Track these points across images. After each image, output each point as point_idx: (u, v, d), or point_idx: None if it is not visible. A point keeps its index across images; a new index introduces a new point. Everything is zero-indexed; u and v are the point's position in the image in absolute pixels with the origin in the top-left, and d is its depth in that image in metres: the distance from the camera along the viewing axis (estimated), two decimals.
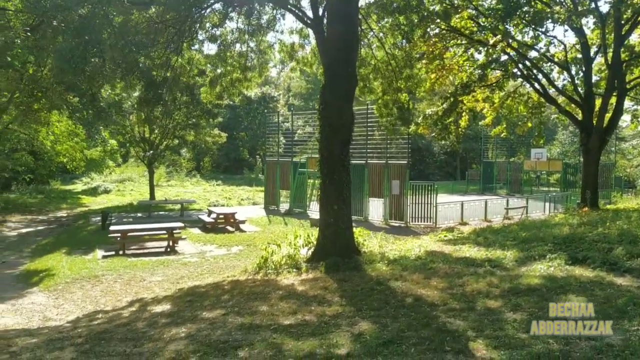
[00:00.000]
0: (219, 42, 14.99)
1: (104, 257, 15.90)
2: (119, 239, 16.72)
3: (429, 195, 21.58)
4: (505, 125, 25.09)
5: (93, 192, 35.22)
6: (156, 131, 28.71)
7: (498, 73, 22.15)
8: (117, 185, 37.70)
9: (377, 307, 7.92)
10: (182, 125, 28.66)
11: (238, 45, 15.24)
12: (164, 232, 17.51)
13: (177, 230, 17.71)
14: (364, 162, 23.18)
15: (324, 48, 12.26)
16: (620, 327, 6.08)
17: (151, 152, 27.80)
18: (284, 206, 27.35)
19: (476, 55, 22.64)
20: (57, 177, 38.60)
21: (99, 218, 22.89)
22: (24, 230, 21.55)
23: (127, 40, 10.58)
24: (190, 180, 41.14)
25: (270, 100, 48.83)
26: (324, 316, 7.69)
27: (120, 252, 16.33)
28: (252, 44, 15.38)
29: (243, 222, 21.46)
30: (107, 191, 35.46)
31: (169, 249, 17.08)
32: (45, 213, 26.47)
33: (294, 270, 11.12)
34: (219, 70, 16.17)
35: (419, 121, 21.66)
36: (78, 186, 38.44)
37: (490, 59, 19.69)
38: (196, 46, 15.54)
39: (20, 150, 28.48)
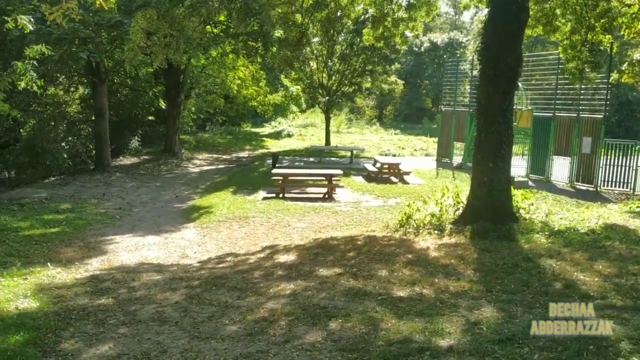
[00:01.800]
0: None
1: (265, 198, 16.14)
2: (280, 182, 16.85)
3: (629, 157, 18.16)
4: None
5: (277, 135, 36.75)
6: (333, 78, 28.52)
7: None
8: (300, 129, 38.85)
9: (513, 290, 6.45)
10: (358, 71, 28.01)
11: None
12: (323, 178, 17.23)
13: (336, 177, 17.30)
14: (550, 114, 20.28)
15: None
16: None
17: (327, 98, 27.74)
18: (457, 160, 25.50)
19: None
20: (249, 120, 41.02)
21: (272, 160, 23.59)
22: (205, 168, 23.10)
23: None
24: (369, 128, 40.82)
25: (458, 46, 45.82)
26: (444, 292, 6.48)
27: (280, 195, 16.44)
28: None
29: (408, 173, 20.34)
30: (289, 135, 36.73)
31: (326, 196, 16.79)
32: (229, 153, 28.21)
33: (436, 232, 9.86)
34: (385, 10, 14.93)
35: (623, 68, 18.06)
36: (266, 129, 40.51)
37: None
38: None
39: (212, 94, 30.53)
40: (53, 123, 20.87)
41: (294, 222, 12.92)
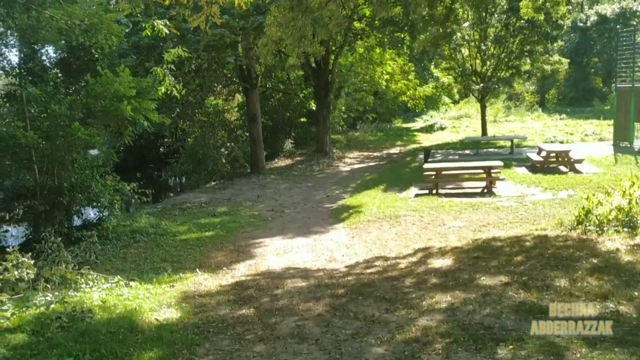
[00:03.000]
0: None
1: (417, 195, 15.06)
2: (433, 177, 15.64)
3: None
4: None
5: (429, 129, 35.19)
6: (488, 63, 26.36)
7: None
8: (453, 122, 36.82)
9: None
10: (515, 53, 25.53)
11: None
12: (481, 171, 15.66)
13: (496, 169, 15.62)
14: None
15: None
16: None
17: (481, 85, 25.69)
18: (638, 143, 22.00)
19: None
20: (399, 116, 39.96)
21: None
22: (356, 166, 22.56)
23: None
24: (530, 115, 37.39)
25: (632, 15, 40.04)
26: None
27: (434, 192, 15.24)
28: None
29: (580, 161, 17.82)
30: (442, 128, 34.95)
31: (485, 190, 15.20)
32: (380, 150, 27.43)
33: (625, 229, 8.07)
34: None
35: None
36: (417, 124, 39.10)
37: None
38: None
39: (361, 91, 30.05)
40: (212, 131, 21.81)
41: (449, 220, 11.68)
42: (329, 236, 11.36)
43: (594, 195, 9.57)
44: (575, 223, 9.05)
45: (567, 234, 8.72)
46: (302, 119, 27.48)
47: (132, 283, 7.52)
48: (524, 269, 6.89)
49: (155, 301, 6.80)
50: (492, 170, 15.39)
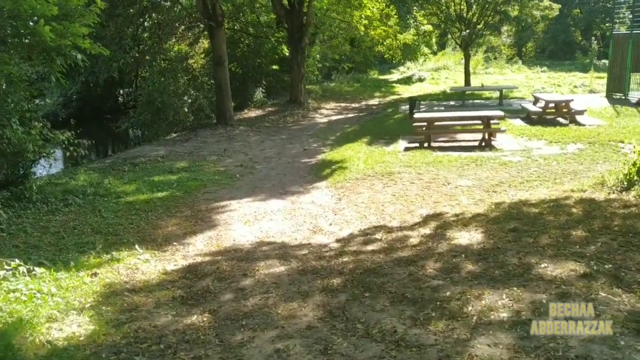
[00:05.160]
0: None
1: (406, 149, 12.85)
2: (424, 128, 13.40)
3: None
4: None
5: (407, 81, 32.76)
6: (474, 7, 23.90)
7: None
8: (432, 73, 34.44)
9: None
10: None
11: None
12: (478, 122, 13.49)
13: (495, 120, 13.47)
14: None
15: None
16: None
17: (467, 31, 23.28)
18: (635, 95, 20.10)
19: None
20: (375, 67, 37.34)
21: (407, 106, 20.07)
22: (334, 118, 20.11)
23: None
24: (510, 67, 35.26)
25: None
26: None
27: (425, 145, 13.03)
28: None
29: (581, 112, 15.80)
30: (421, 79, 32.57)
31: (483, 143, 13.06)
32: (358, 101, 24.97)
33: None
34: None
35: None
36: (394, 76, 36.57)
37: None
38: None
39: (336, 37, 27.22)
40: (174, 77, 18.95)
41: (454, 178, 9.50)
42: (309, 197, 9.06)
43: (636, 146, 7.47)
44: (626, 183, 6.97)
45: (619, 196, 6.63)
46: (274, 67, 24.61)
47: (37, 270, 5.11)
48: (596, 249, 4.75)
49: (62, 302, 4.44)
50: (491, 121, 13.24)
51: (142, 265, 5.55)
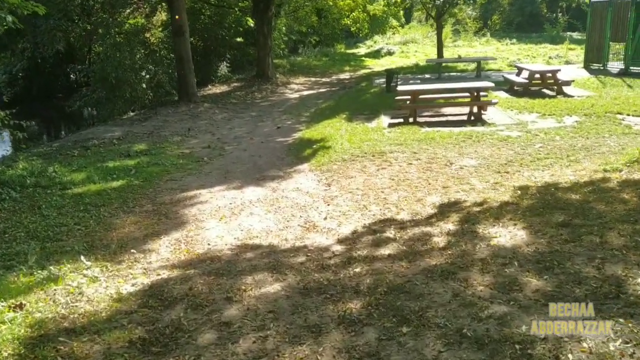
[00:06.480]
0: None
1: (391, 125, 11.58)
2: (408, 102, 12.13)
3: None
4: None
5: (376, 54, 31.38)
6: None
7: None
8: (401, 47, 33.14)
9: None
10: None
11: None
12: (466, 94, 12.30)
13: (484, 93, 12.30)
14: None
15: None
16: None
17: (441, 0, 22.00)
18: (614, 65, 19.28)
19: None
20: (342, 41, 35.78)
21: (382, 80, 18.74)
22: (305, 93, 18.61)
23: None
24: (479, 40, 34.28)
25: None
26: None
27: (410, 120, 11.78)
28: None
29: (568, 83, 14.77)
30: (390, 53, 31.24)
31: (472, 117, 11.90)
32: (329, 75, 23.50)
33: None
34: None
35: None
36: (361, 50, 35.10)
37: None
38: None
39: (303, 8, 25.52)
40: (130, 50, 17.04)
41: (455, 157, 8.27)
42: (293, 183, 7.66)
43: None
44: None
45: None
46: (239, 39, 22.75)
47: None
48: None
49: None
50: (481, 94, 12.06)
51: (89, 288, 4.09)
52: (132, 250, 5.06)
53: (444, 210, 5.58)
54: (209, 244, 5.25)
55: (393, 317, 3.29)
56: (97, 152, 10.15)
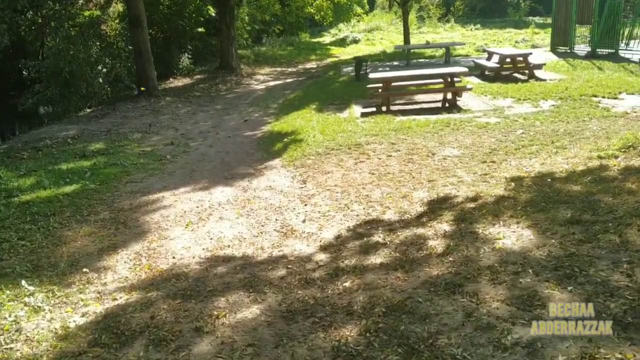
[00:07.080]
0: None
1: (363, 114, 11.04)
2: (380, 90, 11.60)
3: None
4: None
5: (341, 42, 30.77)
6: None
7: None
8: (366, 34, 32.62)
9: None
10: None
11: None
12: (439, 80, 11.84)
13: (457, 78, 11.86)
14: None
15: None
16: None
17: None
18: (581, 47, 19.20)
19: None
20: (306, 30, 35.01)
21: (350, 68, 18.19)
22: (271, 84, 17.88)
23: None
24: (443, 26, 34.03)
25: None
26: None
27: (384, 109, 11.27)
28: None
29: (539, 67, 14.51)
30: (355, 41, 30.68)
31: (447, 104, 11.47)
32: (295, 65, 22.78)
33: None
34: None
35: None
36: (326, 38, 34.42)
37: None
38: None
39: None
40: (84, 44, 15.97)
41: (435, 147, 7.77)
42: (265, 181, 7.03)
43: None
44: None
45: None
46: (200, 29, 21.76)
47: None
48: None
49: None
50: (455, 79, 11.62)
51: (28, 322, 3.39)
52: (84, 269, 4.36)
53: (434, 208, 5.05)
54: (174, 257, 4.59)
55: (398, 346, 2.74)
56: (49, 154, 9.27)
